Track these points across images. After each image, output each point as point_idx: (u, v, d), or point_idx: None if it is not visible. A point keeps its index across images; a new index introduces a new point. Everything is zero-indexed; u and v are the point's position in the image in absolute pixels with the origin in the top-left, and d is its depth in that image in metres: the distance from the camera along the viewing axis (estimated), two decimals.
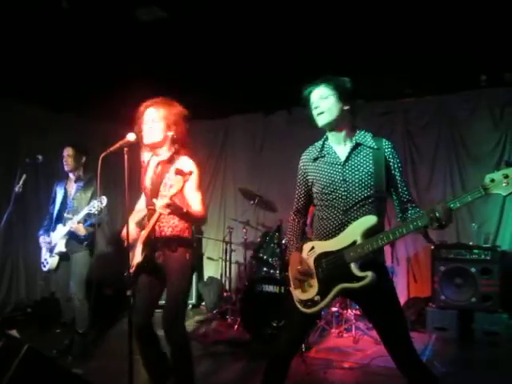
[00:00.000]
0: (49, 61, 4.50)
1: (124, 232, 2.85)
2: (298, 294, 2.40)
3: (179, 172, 2.54)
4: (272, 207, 5.66)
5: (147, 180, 2.94)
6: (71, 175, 4.33)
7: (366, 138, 2.37)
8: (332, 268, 2.27)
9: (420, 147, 5.76)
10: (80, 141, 4.50)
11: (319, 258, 2.33)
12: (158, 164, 2.90)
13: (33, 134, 5.68)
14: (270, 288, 4.50)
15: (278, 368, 2.45)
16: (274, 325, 4.38)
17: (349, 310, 4.81)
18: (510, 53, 4.39)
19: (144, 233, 2.80)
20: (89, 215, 3.97)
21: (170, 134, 2.85)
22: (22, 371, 2.12)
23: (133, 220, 2.99)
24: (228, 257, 5.76)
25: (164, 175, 2.83)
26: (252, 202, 5.53)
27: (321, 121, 2.35)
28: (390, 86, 5.33)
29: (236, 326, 4.68)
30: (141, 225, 2.94)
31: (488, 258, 4.69)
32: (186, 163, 2.82)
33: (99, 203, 3.78)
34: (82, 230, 4.08)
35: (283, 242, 4.80)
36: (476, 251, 4.76)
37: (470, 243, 4.96)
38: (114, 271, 2.96)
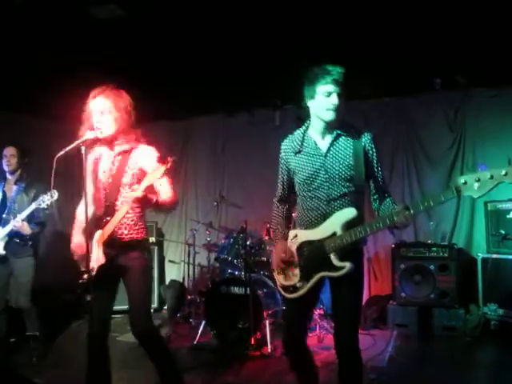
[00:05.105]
0: None
1: (73, 245, 2.74)
2: (280, 280, 2.49)
3: (159, 159, 2.47)
4: (236, 206, 5.66)
5: (102, 175, 2.76)
6: (10, 176, 4.11)
7: (347, 128, 2.42)
8: (313, 257, 2.37)
9: (379, 148, 5.84)
10: (20, 139, 4.28)
11: (301, 246, 2.43)
12: (116, 155, 2.75)
13: None
14: (235, 289, 4.48)
15: (297, 349, 2.53)
16: (240, 326, 4.36)
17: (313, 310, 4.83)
18: (462, 57, 4.56)
19: (105, 231, 2.65)
20: (37, 210, 3.78)
21: (125, 123, 2.70)
22: None
23: (78, 232, 2.78)
24: (191, 259, 5.67)
25: (125, 166, 2.71)
26: (215, 203, 5.52)
27: (331, 116, 2.33)
28: (349, 87, 5.39)
29: (200, 329, 4.61)
30: (93, 224, 2.71)
31: (446, 255, 4.84)
32: (147, 150, 2.72)
33: (49, 197, 3.61)
34: (26, 229, 3.86)
35: (248, 243, 4.78)
36: (434, 249, 4.91)
37: (429, 241, 5.12)
38: (70, 275, 2.83)
